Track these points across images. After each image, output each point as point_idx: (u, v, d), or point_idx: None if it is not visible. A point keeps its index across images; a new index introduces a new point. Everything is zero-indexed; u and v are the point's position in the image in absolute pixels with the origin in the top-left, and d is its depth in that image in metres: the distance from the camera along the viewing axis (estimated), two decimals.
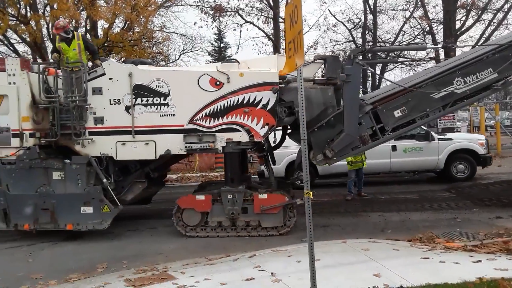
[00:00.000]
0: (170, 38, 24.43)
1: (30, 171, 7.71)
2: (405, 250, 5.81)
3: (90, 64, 8.14)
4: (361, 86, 8.99)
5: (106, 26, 19.67)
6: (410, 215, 8.58)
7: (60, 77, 7.88)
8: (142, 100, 7.73)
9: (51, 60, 8.41)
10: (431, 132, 12.22)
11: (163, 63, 20.33)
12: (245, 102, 7.61)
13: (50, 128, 7.91)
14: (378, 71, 24.92)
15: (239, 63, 8.30)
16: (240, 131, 7.67)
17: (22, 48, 21.91)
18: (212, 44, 32.48)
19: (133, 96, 7.73)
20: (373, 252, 5.63)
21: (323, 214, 8.93)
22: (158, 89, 7.70)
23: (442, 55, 16.32)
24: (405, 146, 11.85)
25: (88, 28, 20.59)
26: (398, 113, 8.06)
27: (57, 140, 7.87)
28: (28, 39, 18.72)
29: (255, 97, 7.59)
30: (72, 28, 8.66)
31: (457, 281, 4.40)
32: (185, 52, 27.45)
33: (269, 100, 7.57)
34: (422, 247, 5.94)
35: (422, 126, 10.70)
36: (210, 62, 27.50)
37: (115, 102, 7.78)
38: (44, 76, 7.85)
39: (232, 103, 7.62)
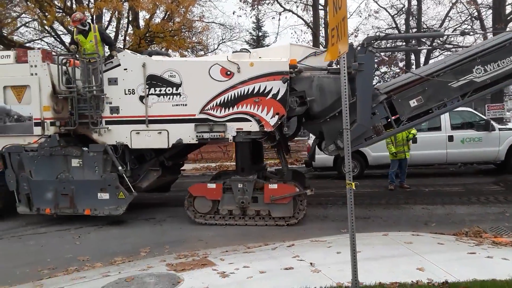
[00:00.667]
0: (209, 28, 24.57)
1: (51, 158, 7.98)
2: (450, 245, 5.61)
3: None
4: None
5: (148, 16, 20.07)
6: (456, 208, 8.27)
7: (78, 68, 8.11)
8: (155, 90, 7.82)
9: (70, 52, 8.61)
10: (492, 122, 11.59)
11: (202, 52, 20.55)
12: (255, 91, 7.57)
13: (69, 117, 8.20)
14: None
15: (250, 52, 8.23)
16: (251, 121, 7.64)
17: (67, 39, 22.77)
18: (250, 33, 32.46)
19: (147, 86, 7.83)
20: (416, 245, 5.47)
21: (364, 206, 8.78)
22: (171, 79, 7.77)
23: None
24: (463, 137, 11.36)
25: (130, 19, 21.07)
26: (414, 102, 7.76)
27: (76, 129, 8.14)
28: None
29: (265, 86, 7.52)
30: (89, 21, 8.93)
31: (506, 278, 4.20)
32: (224, 42, 27.57)
33: (279, 89, 7.50)
34: (468, 241, 5.71)
35: (482, 116, 10.22)
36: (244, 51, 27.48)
37: (129, 92, 7.92)
38: (64, 67, 8.05)
39: (242, 93, 7.59)
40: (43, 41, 25.23)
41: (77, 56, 8.16)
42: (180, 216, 8.53)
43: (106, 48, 8.71)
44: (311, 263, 4.96)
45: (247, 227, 7.52)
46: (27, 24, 23.08)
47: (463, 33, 9.68)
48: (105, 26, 21.39)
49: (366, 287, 4.19)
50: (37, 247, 6.81)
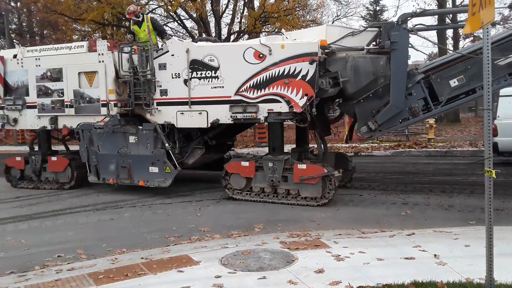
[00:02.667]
0: (324, 5, 24.01)
1: (113, 135, 8.95)
2: None
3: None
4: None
5: None
6: None
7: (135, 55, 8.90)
8: (197, 74, 8.33)
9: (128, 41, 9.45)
10: None
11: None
12: (285, 73, 7.67)
13: (128, 99, 9.07)
14: None
15: (283, 35, 8.39)
16: (281, 102, 7.77)
17: (189, 24, 24.23)
18: (367, 8, 30.96)
19: (190, 70, 8.35)
20: None
21: (497, 196, 7.79)
22: (210, 63, 8.21)
23: None
24: None
25: (246, 0, 21.55)
26: (454, 82, 7.36)
27: (133, 109, 9.00)
28: (194, 15, 20.53)
29: (295, 68, 7.58)
30: (142, 12, 9.62)
31: None
32: (339, 18, 26.78)
33: (308, 71, 7.50)
34: None
35: None
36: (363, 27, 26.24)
37: (176, 76, 8.54)
38: (126, 54, 8.91)
39: (273, 75, 7.75)
40: (167, 26, 27.24)
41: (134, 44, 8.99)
42: None
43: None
44: (435, 255, 4.59)
45: (359, 211, 7.31)
46: (153, 11, 25.09)
47: (511, 6, 8.28)
48: (223, 9, 22.26)
49: (501, 285, 3.74)
50: (164, 216, 7.44)
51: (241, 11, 22.13)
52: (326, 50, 7.63)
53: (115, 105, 9.07)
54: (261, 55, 7.84)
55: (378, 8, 31.04)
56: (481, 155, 12.86)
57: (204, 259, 4.73)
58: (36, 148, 10.54)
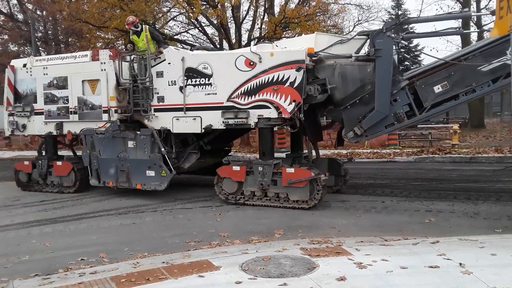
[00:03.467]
0: (345, 10, 23.86)
1: (113, 140, 9.32)
2: None
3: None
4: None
5: (283, 3, 20.33)
6: None
7: (134, 64, 9.32)
8: (191, 81, 8.65)
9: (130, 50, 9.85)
10: None
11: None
12: (274, 80, 7.92)
13: (127, 105, 9.46)
14: None
15: (273, 43, 8.68)
16: (270, 108, 8.02)
17: (209, 30, 24.45)
18: (388, 12, 30.63)
19: (185, 78, 8.68)
20: None
21: None
22: (204, 71, 8.52)
23: None
24: None
25: (266, 6, 21.61)
26: (438, 88, 7.49)
27: (132, 116, 9.39)
28: (215, 22, 20.72)
29: (283, 75, 7.82)
30: (140, 23, 10.03)
31: None
32: (360, 23, 26.53)
33: (296, 77, 7.73)
34: None
35: None
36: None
37: (172, 83, 8.88)
38: (122, 63, 9.33)
39: (263, 82, 8.00)
40: (188, 33, 27.58)
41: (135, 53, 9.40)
42: None
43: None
44: (460, 264, 4.46)
45: (381, 217, 7.21)
46: (175, 18, 25.43)
47: (493, 13, 8.18)
48: (243, 15, 22.39)
49: None
50: (185, 220, 7.48)
51: (262, 17, 22.19)
52: (314, 58, 7.83)
53: (116, 111, 9.47)
54: (251, 63, 8.12)
55: (400, 12, 30.70)
56: (508, 161, 12.63)
57: (224, 265, 4.72)
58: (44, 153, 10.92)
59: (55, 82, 10.09)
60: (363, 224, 6.84)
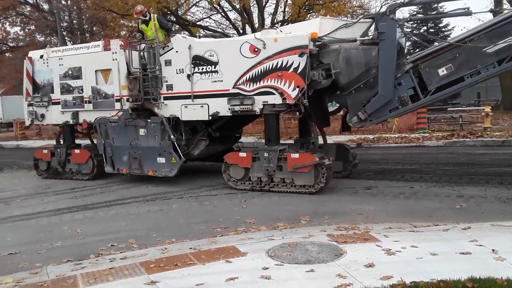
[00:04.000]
0: None
1: (126, 128, 9.52)
2: None
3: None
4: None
5: None
6: None
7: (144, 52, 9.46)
8: (198, 69, 8.73)
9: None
10: None
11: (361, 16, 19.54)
12: (278, 66, 7.92)
13: (138, 94, 9.56)
14: None
15: (277, 29, 8.69)
16: (274, 94, 8.04)
17: (232, 15, 24.29)
18: None
19: (192, 66, 8.77)
20: None
21: None
22: (210, 58, 8.59)
23: None
24: None
25: None
26: (443, 71, 7.41)
27: (142, 104, 9.53)
28: (237, 6, 20.55)
29: (287, 61, 7.82)
30: (148, 12, 10.11)
31: None
32: (388, 3, 25.71)
33: (299, 63, 7.73)
34: None
35: None
36: (415, 12, 25.13)
37: (180, 71, 8.96)
38: (132, 52, 9.48)
39: (268, 68, 8.02)
40: (211, 18, 27.48)
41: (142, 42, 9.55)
42: (338, 188, 8.46)
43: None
44: (492, 250, 4.34)
45: (410, 203, 7.07)
46: (197, 4, 25.34)
47: (492, 11, 8.64)
48: None
49: None
50: (211, 207, 7.53)
51: (285, 0, 21.88)
52: (318, 43, 7.77)
53: (128, 100, 9.63)
54: (256, 49, 8.13)
55: None
56: None
57: (251, 251, 4.74)
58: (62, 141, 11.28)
59: (70, 72, 10.37)
60: (391, 210, 6.72)
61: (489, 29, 7.22)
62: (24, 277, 4.41)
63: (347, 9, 19.32)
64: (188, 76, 8.87)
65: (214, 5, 21.61)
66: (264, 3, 21.64)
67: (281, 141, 9.06)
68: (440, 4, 22.45)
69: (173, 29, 11.17)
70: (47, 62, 10.71)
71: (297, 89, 7.83)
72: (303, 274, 4.02)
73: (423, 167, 10.35)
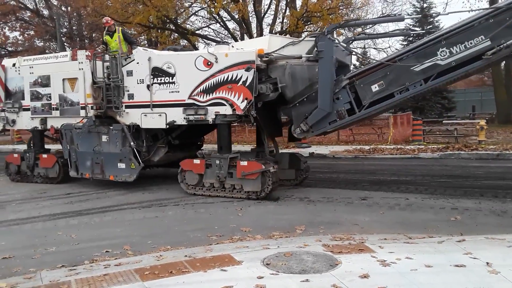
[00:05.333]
0: (369, 3, 23.50)
1: (89, 134, 9.99)
2: None
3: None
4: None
5: None
6: None
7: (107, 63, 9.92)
8: (157, 80, 9.20)
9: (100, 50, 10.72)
10: None
11: (359, 29, 19.80)
12: (229, 79, 8.42)
13: (101, 102, 9.99)
14: None
15: (229, 44, 9.18)
16: (225, 105, 8.55)
17: (231, 25, 24.45)
18: (413, 5, 29.93)
19: (151, 76, 9.25)
20: None
21: None
22: (168, 70, 9.06)
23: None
24: None
25: (288, 0, 21.48)
26: (375, 87, 7.96)
27: (105, 112, 9.96)
28: (236, 16, 20.70)
29: (237, 74, 8.33)
30: (114, 24, 10.84)
31: None
32: (384, 17, 25.99)
33: (247, 77, 8.23)
34: None
35: None
36: (410, 26, 25.48)
37: (140, 82, 9.46)
38: (96, 62, 9.99)
39: (219, 81, 8.51)
40: (210, 28, 27.67)
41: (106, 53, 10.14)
42: (335, 198, 8.48)
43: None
44: (487, 263, 4.36)
45: (405, 215, 7.10)
46: (196, 13, 25.53)
47: (425, 16, 10.06)
48: (265, 9, 22.32)
49: None
50: (207, 215, 7.53)
51: (283, 11, 22.06)
52: (265, 58, 8.26)
53: (92, 107, 10.11)
54: (209, 63, 8.63)
55: (425, 5, 29.91)
56: None
57: (246, 259, 4.73)
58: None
59: (39, 80, 10.83)
60: (387, 221, 6.74)
61: (416, 50, 7.75)
62: (18, 282, 4.38)
63: (344, 21, 19.47)
64: (148, 86, 9.35)
65: (213, 15, 21.78)
66: (262, 14, 21.83)
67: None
68: None
69: (137, 43, 12.11)
70: (19, 70, 11.20)
71: (246, 101, 8.34)
72: (298, 284, 4.03)
73: (418, 179, 10.41)
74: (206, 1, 19.65)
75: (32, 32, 32.70)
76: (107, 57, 10.02)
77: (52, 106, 10.66)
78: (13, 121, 11.42)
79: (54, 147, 13.18)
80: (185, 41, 22.67)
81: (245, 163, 8.41)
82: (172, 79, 9.05)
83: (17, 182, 11.50)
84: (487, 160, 13.22)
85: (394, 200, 8.08)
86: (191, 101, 8.88)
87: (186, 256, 4.96)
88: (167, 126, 9.25)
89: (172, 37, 23.43)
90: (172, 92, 9.07)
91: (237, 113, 8.49)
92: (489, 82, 39.24)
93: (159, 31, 22.05)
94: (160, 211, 7.87)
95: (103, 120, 10.13)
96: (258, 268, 4.44)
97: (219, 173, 8.64)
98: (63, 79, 10.41)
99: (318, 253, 4.89)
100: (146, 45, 26.29)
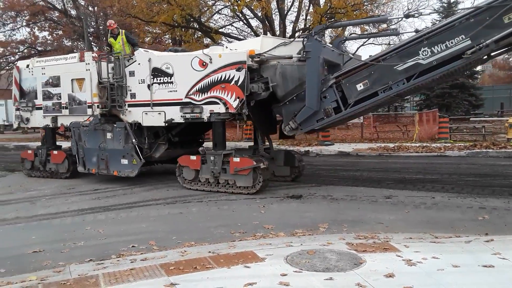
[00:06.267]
0: None
1: (95, 132, 10.49)
2: None
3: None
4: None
5: None
6: None
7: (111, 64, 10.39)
8: (157, 80, 9.62)
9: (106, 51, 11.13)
10: None
11: (384, 25, 19.49)
12: (222, 79, 8.78)
13: (106, 101, 10.48)
14: None
15: (223, 45, 9.57)
16: (219, 104, 8.90)
17: (254, 23, 24.45)
18: (440, 0, 29.23)
19: (152, 77, 9.68)
20: None
21: None
22: (166, 70, 9.48)
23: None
24: None
25: None
26: (360, 86, 8.23)
27: (110, 110, 10.46)
28: (259, 14, 20.69)
29: (230, 74, 8.68)
30: (117, 27, 11.24)
31: None
32: (410, 13, 25.48)
33: (239, 77, 8.57)
34: None
35: None
36: (436, 21, 24.85)
37: (141, 82, 9.89)
38: (101, 63, 10.44)
39: (213, 80, 8.88)
40: (233, 26, 27.76)
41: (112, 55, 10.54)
42: (358, 196, 8.41)
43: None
44: None
45: (431, 214, 6.97)
46: (219, 11, 25.63)
47: (407, 16, 9.48)
48: (288, 7, 22.23)
49: None
50: (230, 212, 7.59)
51: (307, 8, 21.94)
52: (256, 59, 8.58)
53: (98, 106, 10.61)
54: (204, 63, 9.01)
55: (452, 0, 29.17)
56: None
57: (269, 256, 4.75)
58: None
59: (50, 80, 11.42)
60: (412, 220, 6.64)
61: (399, 49, 7.97)
62: (48, 275, 4.52)
63: (369, 17, 19.20)
64: (148, 86, 9.78)
65: (237, 13, 21.82)
66: (286, 12, 21.76)
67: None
68: None
69: (138, 44, 12.65)
70: (32, 71, 11.78)
71: (238, 99, 8.68)
72: (321, 282, 4.01)
73: (445, 177, 10.20)
74: None
75: (60, 32, 33.51)
76: (112, 58, 10.48)
77: (62, 105, 11.23)
78: (27, 120, 12.04)
79: (67, 144, 13.59)
80: (209, 39, 22.80)
81: (237, 159, 8.77)
82: (170, 79, 9.48)
83: (33, 178, 12.05)
84: None
85: (419, 199, 7.95)
86: (187, 100, 9.27)
87: (210, 252, 5.01)
88: (166, 124, 9.65)
89: (195, 35, 23.62)
90: (171, 91, 9.48)
91: (230, 111, 8.84)
92: None
93: (183, 29, 22.27)
94: (184, 207, 7.98)
95: (108, 119, 10.61)
96: (281, 265, 4.45)
97: (214, 169, 9.01)
98: (72, 80, 10.97)
99: (341, 251, 4.86)
100: (171, 44, 26.59)
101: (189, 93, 9.23)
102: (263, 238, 5.79)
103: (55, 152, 11.75)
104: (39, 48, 34.36)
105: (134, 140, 9.95)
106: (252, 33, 23.59)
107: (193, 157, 9.38)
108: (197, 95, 9.14)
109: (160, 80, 9.61)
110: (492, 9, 7.19)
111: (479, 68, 33.34)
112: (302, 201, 8.15)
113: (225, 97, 8.82)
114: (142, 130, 10.22)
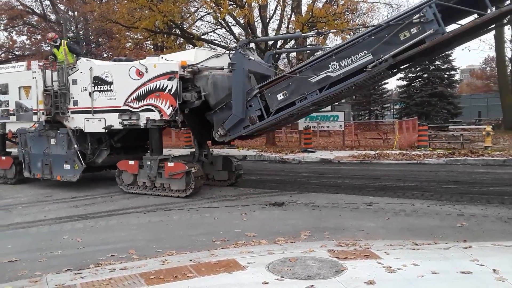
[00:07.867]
0: (374, 8, 23.50)
1: (40, 138, 10.80)
2: None
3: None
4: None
5: (311, 2, 20.19)
6: None
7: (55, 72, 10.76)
8: (98, 88, 10.05)
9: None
10: None
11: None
12: (157, 87, 9.25)
13: (50, 108, 10.79)
14: None
15: (160, 56, 10.05)
16: (154, 111, 9.34)
17: (236, 30, 24.51)
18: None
19: (93, 85, 10.09)
20: None
21: None
22: (106, 79, 9.92)
23: None
24: None
25: (293, 5, 21.52)
26: (280, 96, 8.84)
27: (54, 117, 10.79)
28: (242, 22, 20.75)
29: (163, 83, 9.15)
30: (58, 38, 11.76)
31: None
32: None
33: (172, 86, 9.06)
34: None
35: None
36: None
37: (83, 90, 10.31)
38: (46, 72, 10.82)
39: (149, 89, 9.33)
40: (215, 33, 27.77)
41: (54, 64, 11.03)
42: (340, 203, 8.46)
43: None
44: (494, 270, 4.32)
45: (411, 221, 7.05)
46: (202, 18, 25.63)
47: (318, 33, 10.47)
48: (270, 15, 22.37)
49: None
50: (211, 219, 7.53)
51: (289, 16, 22.10)
52: (188, 69, 9.04)
53: (43, 113, 10.93)
54: (140, 73, 9.44)
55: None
56: None
57: (251, 264, 4.72)
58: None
59: None
60: (392, 227, 6.71)
61: (313, 63, 8.59)
62: (24, 285, 4.40)
63: (350, 27, 19.49)
64: (90, 94, 10.14)
65: (219, 20, 21.84)
66: (268, 19, 21.88)
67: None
68: None
69: (82, 53, 13.30)
70: None
71: (171, 107, 9.12)
72: None
73: (424, 184, 10.36)
74: (212, 6, 19.71)
75: (39, 37, 32.95)
76: (49, 68, 10.82)
77: (10, 112, 11.58)
78: None
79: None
80: (191, 45, 22.74)
81: (172, 164, 9.18)
82: (110, 87, 9.87)
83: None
84: (493, 166, 13.14)
85: (399, 206, 8.05)
86: (126, 107, 9.67)
87: (191, 260, 4.96)
88: (106, 130, 10.01)
89: (178, 41, 23.52)
90: (110, 99, 9.87)
91: (164, 118, 9.26)
92: (495, 87, 39.07)
93: (165, 36, 22.15)
94: (165, 215, 7.88)
95: (52, 125, 10.88)
96: (263, 273, 4.43)
97: (150, 173, 9.44)
98: (19, 87, 11.32)
99: (323, 258, 4.88)
100: (153, 50, 26.43)
101: (127, 101, 9.63)
102: (245, 246, 5.76)
103: (3, 157, 12.02)
104: (17, 53, 33.71)
105: (76, 146, 10.25)
106: (235, 40, 23.63)
107: (131, 162, 9.78)
108: (135, 102, 9.55)
109: (100, 88, 10.00)
110: (390, 27, 7.88)
111: (457, 77, 34.12)
112: (285, 209, 8.15)
113: (159, 104, 9.25)
114: (86, 136, 10.55)
